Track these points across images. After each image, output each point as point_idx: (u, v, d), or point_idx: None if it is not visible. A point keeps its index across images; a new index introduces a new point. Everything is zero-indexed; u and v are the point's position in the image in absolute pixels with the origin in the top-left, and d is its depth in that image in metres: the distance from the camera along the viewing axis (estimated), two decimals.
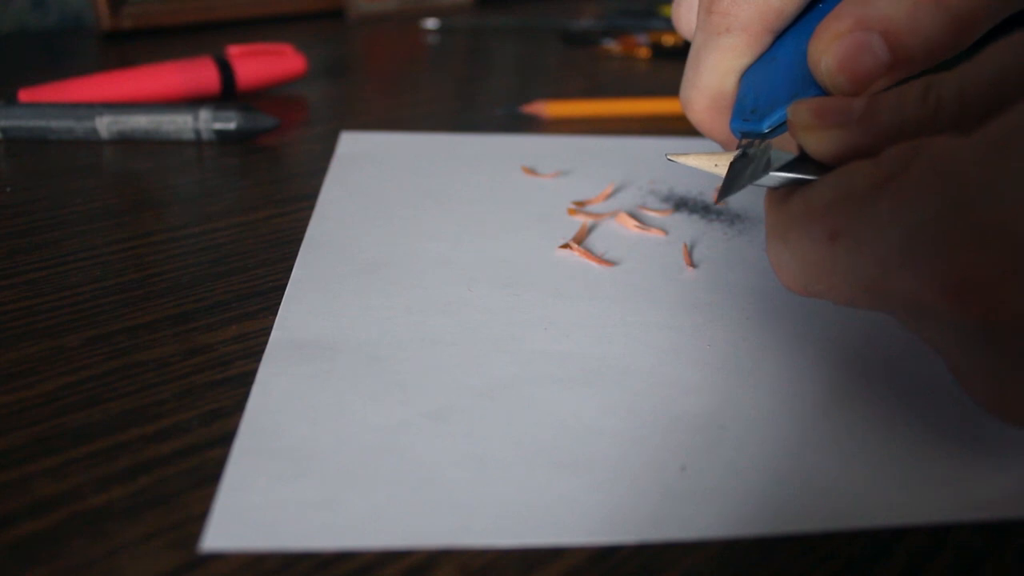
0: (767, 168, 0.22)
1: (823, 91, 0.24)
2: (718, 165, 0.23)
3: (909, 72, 0.23)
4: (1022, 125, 0.16)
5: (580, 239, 0.30)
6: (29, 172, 0.37)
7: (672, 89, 0.53)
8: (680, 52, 0.66)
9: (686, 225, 0.32)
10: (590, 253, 0.29)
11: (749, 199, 0.35)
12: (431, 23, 0.77)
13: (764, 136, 0.25)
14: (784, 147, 0.23)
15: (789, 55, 0.25)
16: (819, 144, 0.21)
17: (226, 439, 0.19)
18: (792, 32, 0.26)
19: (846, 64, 0.23)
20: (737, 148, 0.25)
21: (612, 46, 0.68)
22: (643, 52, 0.66)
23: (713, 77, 0.26)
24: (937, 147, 0.17)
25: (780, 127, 0.25)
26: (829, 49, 0.23)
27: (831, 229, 0.19)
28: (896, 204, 0.17)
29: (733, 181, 0.23)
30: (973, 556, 0.17)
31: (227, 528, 0.17)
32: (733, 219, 0.33)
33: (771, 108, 0.25)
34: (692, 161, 0.24)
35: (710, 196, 0.35)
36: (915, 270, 0.17)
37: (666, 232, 0.31)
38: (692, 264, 0.29)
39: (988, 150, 0.16)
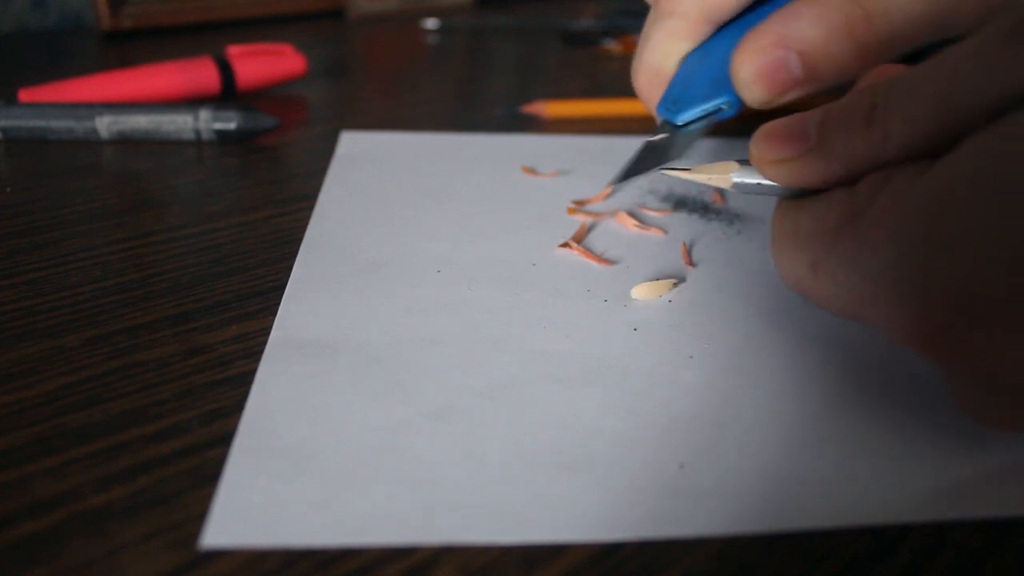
0: (663, 162, 0.24)
1: (737, 97, 0.26)
2: (714, 176, 0.23)
3: (818, 88, 0.25)
4: (967, 171, 0.16)
5: (580, 238, 0.30)
6: (29, 172, 0.37)
7: None
8: None
9: (685, 224, 0.32)
10: (590, 252, 0.29)
11: (750, 200, 0.35)
12: (431, 23, 0.77)
13: (677, 128, 0.26)
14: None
15: (722, 53, 0.26)
16: (781, 176, 0.21)
17: (226, 439, 0.19)
18: (732, 29, 0.27)
19: (762, 75, 0.25)
20: (654, 133, 0.26)
21: (612, 46, 0.68)
22: None
23: (654, 55, 0.28)
24: (895, 187, 0.18)
25: (693, 123, 0.26)
26: (749, 61, 0.25)
27: (811, 260, 0.20)
28: (861, 244, 0.18)
29: (633, 167, 0.25)
30: (974, 556, 0.17)
31: (227, 525, 0.17)
32: (732, 219, 0.33)
33: (689, 104, 0.26)
34: (687, 176, 0.24)
35: (709, 196, 0.35)
36: (884, 312, 0.18)
37: (665, 231, 0.31)
38: (691, 263, 0.29)
39: (941, 196, 0.16)
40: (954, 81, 0.17)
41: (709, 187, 0.36)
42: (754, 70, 0.25)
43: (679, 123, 0.27)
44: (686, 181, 0.36)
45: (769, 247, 0.23)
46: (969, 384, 0.17)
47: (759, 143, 0.21)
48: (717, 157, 0.40)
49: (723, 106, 0.26)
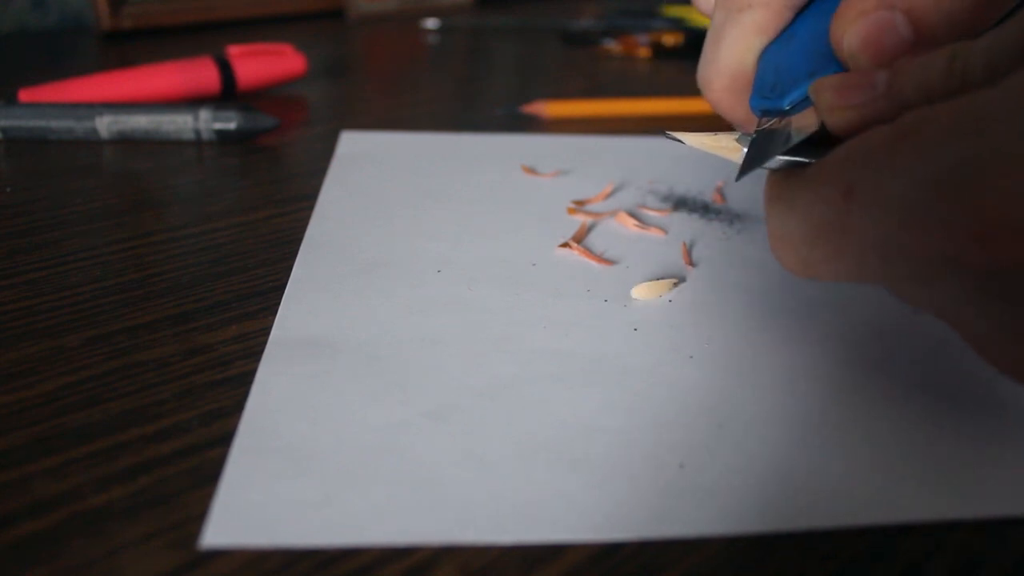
0: (788, 142, 0.22)
1: (844, 68, 0.23)
2: (722, 145, 0.23)
3: (932, 50, 0.23)
4: None
5: (580, 238, 0.30)
6: (29, 172, 0.37)
7: (672, 89, 0.53)
8: (680, 52, 0.66)
9: (685, 224, 0.32)
10: (590, 252, 0.29)
11: (750, 199, 0.35)
12: (431, 23, 0.77)
13: (785, 113, 0.25)
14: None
15: (809, 32, 0.25)
16: (843, 121, 0.20)
17: (226, 439, 0.19)
18: (811, 9, 0.26)
19: (869, 42, 0.22)
20: (757, 126, 0.24)
21: (612, 46, 0.68)
22: (643, 52, 0.66)
23: (733, 55, 0.26)
24: (963, 100, 0.17)
25: (801, 104, 0.25)
26: (852, 27, 0.22)
27: (846, 185, 0.18)
28: (917, 155, 0.17)
29: (756, 157, 0.23)
30: (973, 556, 0.17)
31: (227, 525, 0.17)
32: (732, 218, 0.33)
33: (792, 85, 0.24)
34: (693, 140, 0.23)
35: (710, 195, 0.35)
36: (938, 219, 0.16)
37: (665, 231, 0.31)
38: (691, 263, 0.29)
39: (1016, 96, 0.16)
40: None
41: (710, 187, 0.36)
42: (859, 37, 0.22)
43: (786, 106, 0.25)
44: (686, 180, 0.36)
45: (765, 208, 0.22)
46: (1017, 314, 0.16)
47: (825, 90, 0.21)
48: None
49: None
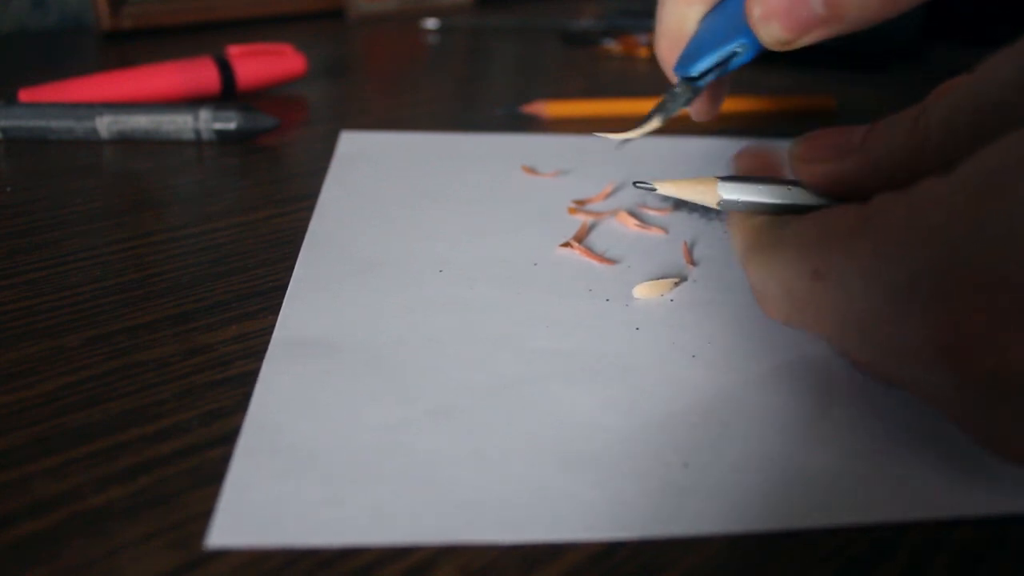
0: (668, 113, 0.26)
1: (755, 39, 0.25)
2: (699, 190, 0.23)
3: (840, 30, 0.24)
4: (996, 166, 0.15)
5: (581, 238, 0.30)
6: (29, 172, 0.37)
7: None
8: None
9: (686, 224, 0.32)
10: (591, 252, 0.29)
11: None
12: (431, 23, 0.77)
13: (693, 80, 0.26)
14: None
15: (736, 4, 0.26)
16: (813, 175, 0.21)
17: (226, 439, 0.19)
18: None
19: (779, 12, 0.23)
20: (672, 87, 0.27)
21: (612, 46, 0.68)
22: (643, 52, 0.66)
23: (672, 19, 0.28)
24: (919, 191, 0.17)
25: (708, 74, 0.26)
26: None
27: (814, 267, 0.19)
28: (878, 248, 0.17)
29: (648, 117, 0.26)
30: (974, 555, 0.17)
31: (231, 525, 0.17)
32: None
33: (701, 55, 0.26)
34: (667, 188, 0.24)
35: None
36: (904, 324, 0.16)
37: (666, 230, 0.31)
38: (692, 262, 0.29)
39: (966, 192, 0.15)
40: (992, 83, 0.17)
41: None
42: (767, 6, 0.23)
43: (694, 75, 0.26)
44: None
45: (741, 261, 0.22)
46: (999, 411, 0.16)
47: (801, 144, 0.21)
48: (723, 155, 0.40)
49: (737, 49, 0.26)
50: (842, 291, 0.18)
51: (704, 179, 0.23)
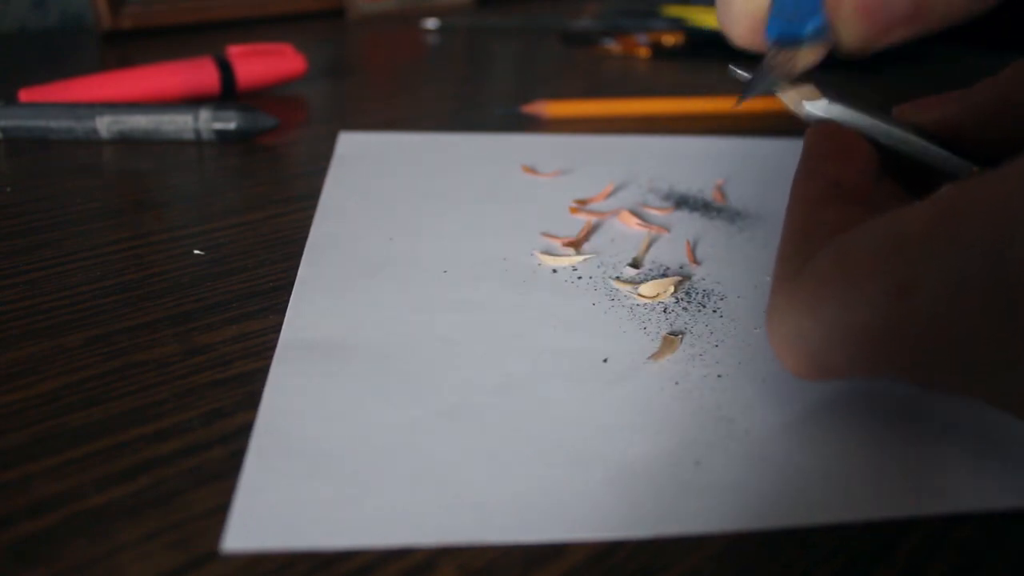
0: (791, 73, 0.25)
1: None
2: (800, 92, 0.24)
3: (925, 28, 0.24)
4: None
5: (584, 237, 0.30)
6: (29, 172, 0.36)
7: (672, 89, 0.53)
8: (680, 52, 0.65)
9: (687, 223, 0.32)
10: (594, 251, 0.29)
11: (750, 197, 0.34)
12: (431, 23, 0.77)
13: (802, 40, 0.26)
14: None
15: None
16: (921, 121, 0.22)
17: (227, 439, 0.19)
18: None
19: (867, 9, 0.23)
20: (767, 57, 0.26)
21: (612, 46, 0.68)
22: (643, 52, 0.66)
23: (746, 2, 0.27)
24: (996, 173, 0.15)
25: (815, 33, 0.26)
26: None
27: (898, 281, 0.15)
28: (952, 246, 0.15)
29: (757, 81, 0.25)
30: (974, 555, 0.17)
31: (246, 529, 0.17)
32: (734, 216, 0.33)
33: (811, 12, 0.26)
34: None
35: (710, 194, 0.35)
36: (1009, 339, 0.14)
37: (668, 229, 0.31)
38: (696, 261, 0.29)
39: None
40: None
41: (709, 185, 0.36)
42: (855, 2, 0.23)
43: (807, 33, 0.26)
44: (686, 179, 0.36)
45: (769, 306, 0.19)
46: None
47: (904, 105, 0.23)
48: (724, 155, 0.40)
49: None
50: (945, 301, 0.15)
51: (806, 88, 0.24)
